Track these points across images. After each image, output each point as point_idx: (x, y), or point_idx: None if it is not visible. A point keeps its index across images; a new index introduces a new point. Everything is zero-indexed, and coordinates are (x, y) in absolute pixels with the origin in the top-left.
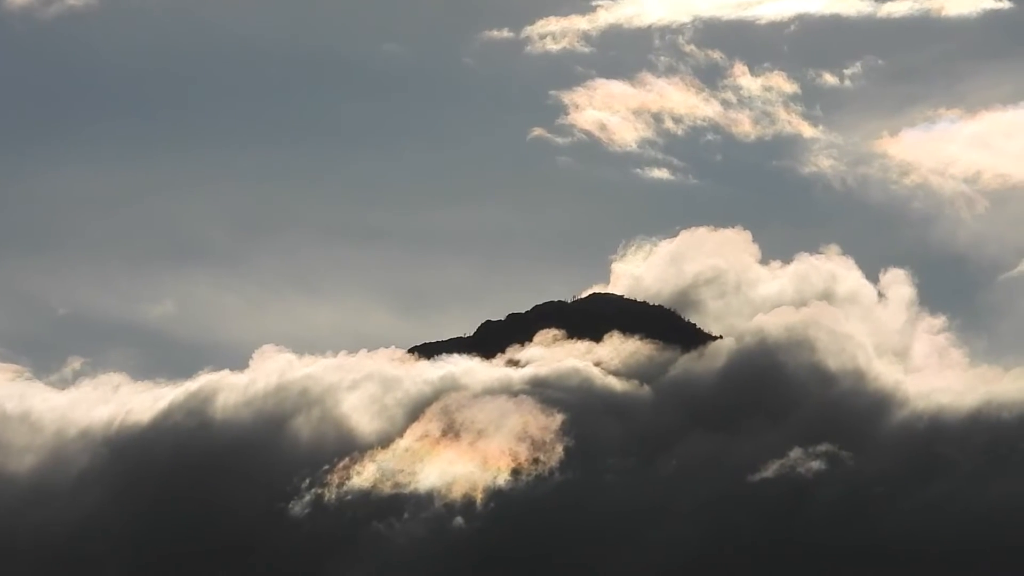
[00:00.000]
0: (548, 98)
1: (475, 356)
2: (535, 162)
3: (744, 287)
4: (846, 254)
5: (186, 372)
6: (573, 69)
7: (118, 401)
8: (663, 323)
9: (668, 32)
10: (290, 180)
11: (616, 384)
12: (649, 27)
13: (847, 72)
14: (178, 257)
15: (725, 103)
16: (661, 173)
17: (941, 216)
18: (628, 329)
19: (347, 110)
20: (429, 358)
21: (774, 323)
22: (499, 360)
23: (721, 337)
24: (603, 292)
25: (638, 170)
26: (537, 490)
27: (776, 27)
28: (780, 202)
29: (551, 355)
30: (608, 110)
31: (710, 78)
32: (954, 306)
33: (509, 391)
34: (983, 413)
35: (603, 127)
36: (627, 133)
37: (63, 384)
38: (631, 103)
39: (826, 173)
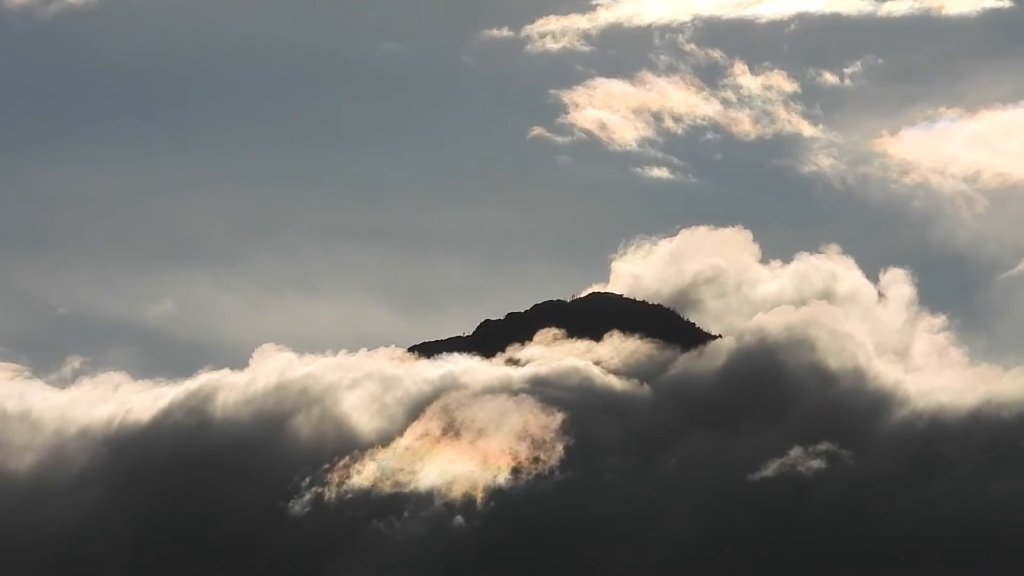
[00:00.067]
0: (548, 97)
1: (475, 355)
2: (535, 161)
3: (744, 286)
4: (846, 253)
5: (186, 371)
6: (573, 68)
7: (118, 400)
8: (663, 322)
9: (668, 31)
10: (290, 179)
11: (616, 383)
12: (649, 26)
13: (847, 71)
14: (178, 256)
15: (725, 102)
16: (661, 172)
17: (941, 215)
18: (628, 328)
19: (347, 109)
20: (429, 357)
21: (774, 322)
22: (499, 359)
23: (720, 336)
24: (603, 291)
25: (638, 169)
26: (537, 489)
27: (776, 26)
28: (780, 201)
29: (551, 354)
30: (608, 109)
31: (710, 77)
32: (954, 305)
33: (509, 390)
34: (983, 412)
35: (603, 126)
36: (627, 132)
37: (63, 383)
38: (631, 102)
39: (826, 172)
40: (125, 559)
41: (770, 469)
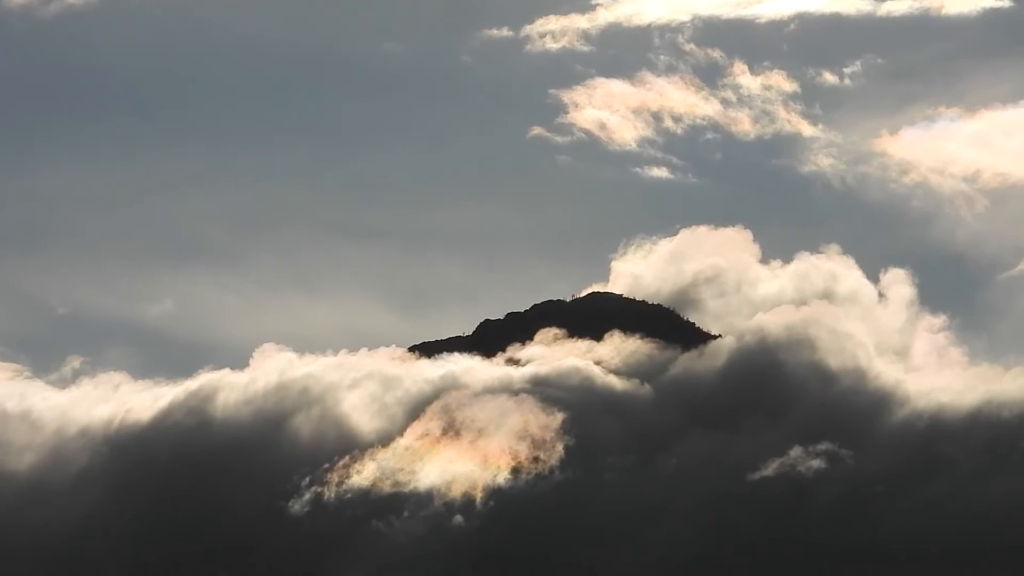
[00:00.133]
0: (548, 97)
1: (475, 355)
2: (534, 161)
3: (744, 286)
4: (846, 253)
5: (186, 371)
6: (573, 68)
7: (118, 400)
8: (663, 322)
9: (668, 31)
10: (290, 179)
11: (616, 383)
12: (649, 26)
13: (847, 71)
14: (178, 256)
15: (725, 102)
16: (660, 172)
17: (941, 215)
18: (627, 328)
19: (347, 109)
20: (429, 357)
21: (774, 322)
22: (499, 359)
23: (720, 336)
24: (602, 291)
25: (637, 169)
26: (537, 489)
27: (776, 26)
28: (780, 201)
29: (551, 354)
30: (608, 109)
31: (710, 77)
32: (954, 305)
33: (509, 390)
34: (983, 412)
35: (603, 126)
36: (627, 132)
37: (63, 383)
38: (631, 102)
39: (825, 172)
40: (125, 559)
41: (770, 469)
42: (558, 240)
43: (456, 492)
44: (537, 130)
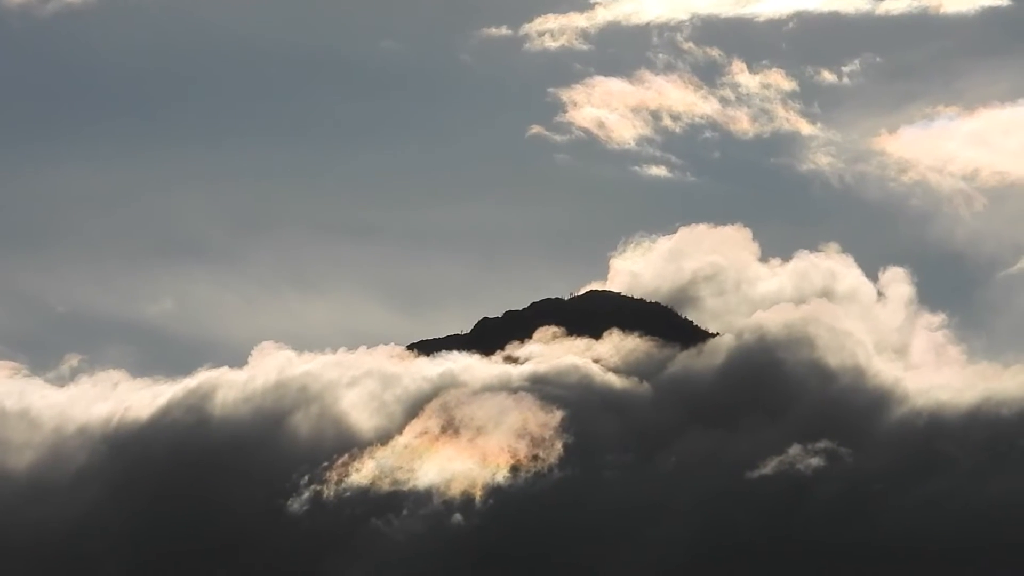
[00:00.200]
0: (546, 96)
1: (473, 353)
2: (533, 160)
3: (744, 285)
4: (845, 252)
5: (185, 369)
6: (571, 67)
7: (117, 398)
8: (661, 320)
9: (666, 29)
10: (288, 178)
11: (615, 381)
12: (647, 24)
13: (845, 69)
14: (177, 255)
15: (723, 100)
16: (659, 171)
17: (939, 213)
18: (626, 326)
19: (345, 108)
20: (428, 355)
21: (773, 320)
22: (497, 357)
23: (718, 334)
24: (601, 289)
25: (636, 168)
26: (536, 487)
27: (774, 24)
28: (778, 200)
29: (550, 352)
30: (606, 108)
31: (708, 75)
32: (953, 303)
33: (508, 388)
34: (982, 410)
35: (601, 125)
36: (625, 131)
37: (61, 381)
38: (629, 101)
39: (824, 171)
40: (124, 557)
41: (769, 467)
42: (557, 238)
43: (455, 490)
44: (536, 129)
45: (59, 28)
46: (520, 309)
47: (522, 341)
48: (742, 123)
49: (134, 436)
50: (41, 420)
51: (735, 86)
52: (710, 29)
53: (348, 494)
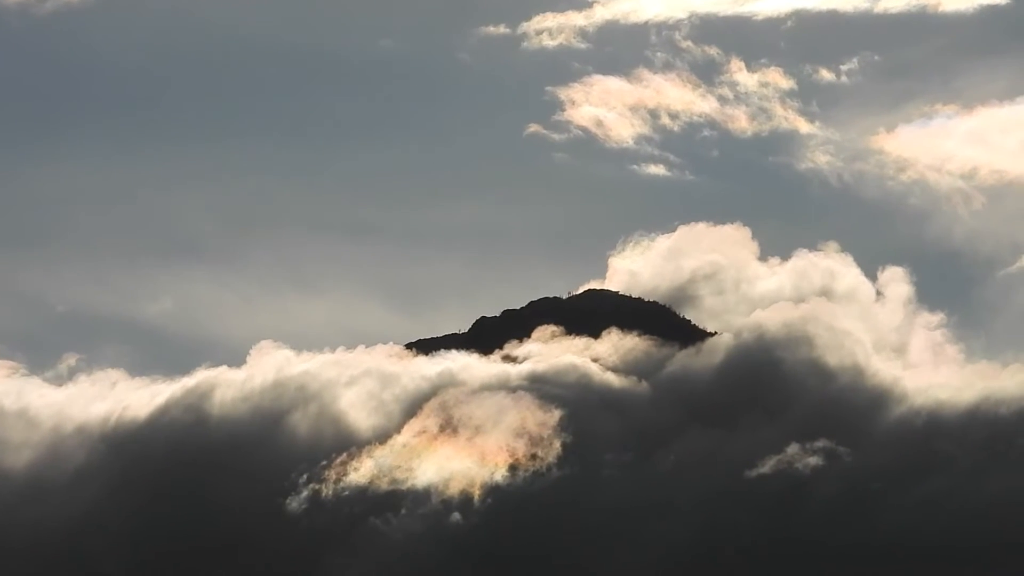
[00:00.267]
0: (544, 94)
1: (472, 352)
2: (531, 158)
3: (743, 284)
4: (844, 251)
5: (183, 368)
6: (569, 65)
7: (115, 397)
8: (660, 319)
9: (664, 28)
10: (287, 177)
11: (614, 380)
12: (646, 23)
13: (844, 68)
14: (175, 254)
15: (722, 99)
16: (657, 169)
17: (938, 212)
18: (625, 325)
19: (343, 107)
20: (427, 354)
21: (772, 319)
22: (496, 356)
23: (716, 333)
24: (599, 288)
25: (634, 166)
26: (534, 486)
27: (773, 23)
28: (777, 198)
29: (549, 351)
30: (604, 106)
31: (707, 74)
32: (952, 303)
33: (507, 387)
34: (981, 409)
35: (599, 123)
36: (623, 129)
37: (60, 380)
38: (627, 99)
39: (823, 169)
40: (122, 556)
41: (768, 466)
42: (555, 237)
43: (454, 489)
44: (534, 127)
45: (58, 27)
46: (518, 308)
47: (520, 340)
48: (740, 122)
49: (132, 435)
50: (39, 419)
51: (733, 85)
52: (708, 28)
53: (346, 493)
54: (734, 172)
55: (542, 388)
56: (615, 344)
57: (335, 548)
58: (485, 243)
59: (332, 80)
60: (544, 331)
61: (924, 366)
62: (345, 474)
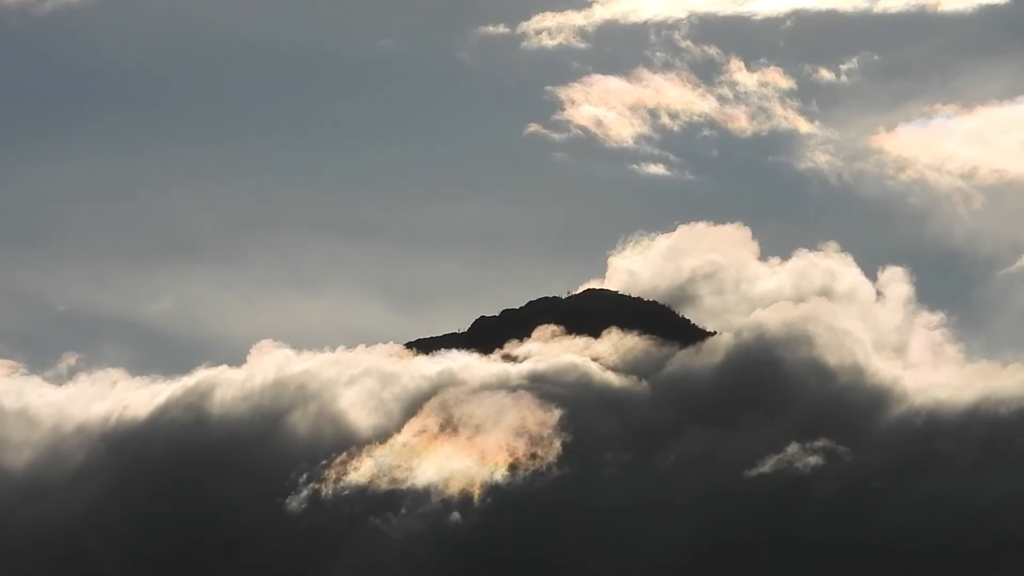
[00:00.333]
0: (544, 94)
1: (472, 352)
2: (531, 158)
3: (743, 283)
4: (844, 251)
5: (183, 368)
6: (569, 65)
7: (115, 397)
8: (660, 319)
9: (664, 28)
10: (287, 176)
11: (614, 380)
12: (645, 23)
13: (843, 67)
14: (175, 253)
15: (721, 99)
16: (657, 169)
17: (938, 212)
18: (624, 325)
19: (343, 106)
20: (426, 353)
21: (772, 319)
22: (495, 356)
23: (716, 333)
24: (598, 288)
25: (634, 166)
26: (534, 485)
27: (772, 22)
28: (777, 198)
29: (549, 351)
30: (604, 106)
31: (706, 74)
32: (951, 302)
33: (507, 386)
34: (981, 408)
35: (599, 123)
36: (623, 129)
37: (60, 380)
38: (627, 99)
39: (822, 169)
40: (122, 555)
41: (768, 465)
42: (555, 237)
43: (453, 489)
44: (534, 127)
45: (57, 26)
46: (518, 308)
47: (521, 340)
48: (740, 121)
49: (132, 435)
50: (40, 419)
51: (733, 84)
52: (708, 27)
53: (346, 492)
54: (734, 172)
55: (542, 387)
56: (615, 344)
57: (335, 547)
58: (485, 243)
59: (332, 80)
60: (544, 330)
61: (924, 366)
62: (345, 473)
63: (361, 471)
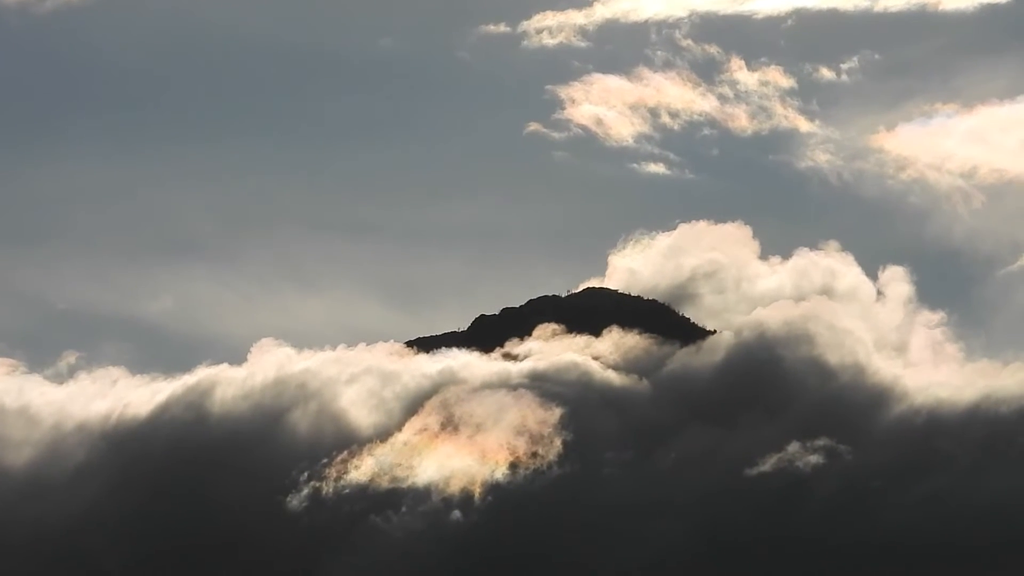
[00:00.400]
0: (544, 93)
1: (472, 350)
2: (531, 157)
3: (743, 282)
4: (845, 250)
5: (184, 366)
6: (570, 64)
7: (116, 395)
8: (660, 318)
9: (665, 26)
10: (286, 175)
11: (614, 378)
12: (646, 22)
13: (844, 67)
14: (175, 252)
15: (722, 98)
16: (658, 168)
17: (938, 211)
18: (624, 323)
19: (343, 105)
20: (427, 352)
21: (773, 317)
22: (496, 354)
23: (716, 332)
24: (599, 287)
25: (634, 165)
26: (535, 484)
27: (773, 21)
28: (777, 197)
29: (549, 349)
30: (605, 105)
31: (707, 73)
32: (952, 301)
33: (507, 385)
34: (981, 408)
35: (600, 122)
36: (624, 128)
37: (60, 378)
38: (628, 98)
39: (823, 168)
40: (122, 554)
41: (768, 464)
42: (555, 236)
43: (454, 487)
44: (534, 126)
45: (58, 26)
46: (518, 306)
47: (521, 338)
48: (740, 120)
49: (133, 433)
50: (40, 417)
51: (733, 83)
52: (708, 26)
53: (347, 491)
54: (734, 171)
55: (543, 386)
56: (615, 342)
57: (335, 546)
58: (485, 241)
59: (332, 79)
60: (545, 329)
61: (924, 365)
62: (346, 472)
63: (362, 469)
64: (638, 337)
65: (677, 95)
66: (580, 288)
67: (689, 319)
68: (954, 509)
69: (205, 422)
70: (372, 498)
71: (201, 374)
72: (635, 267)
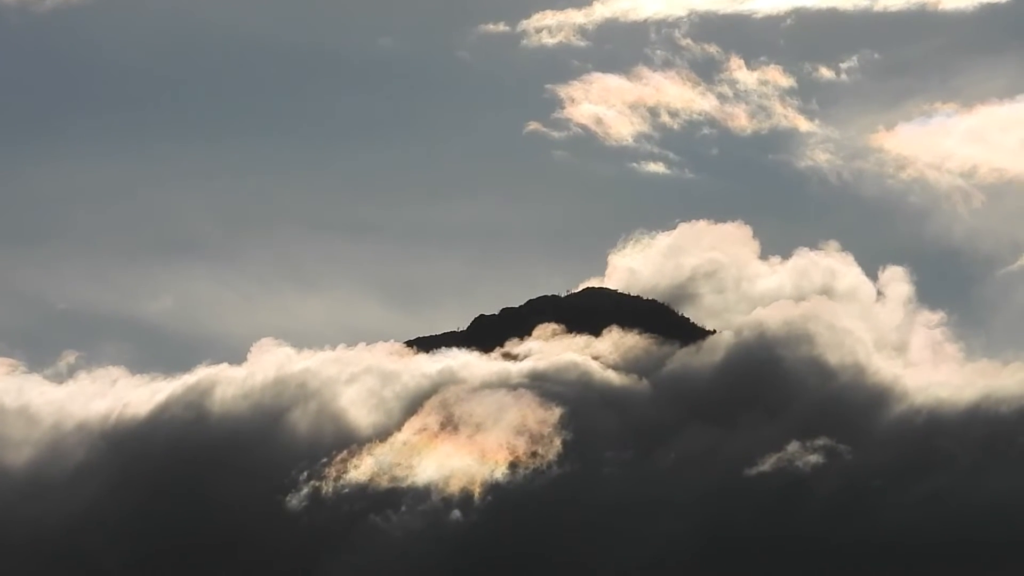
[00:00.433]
0: (544, 92)
1: (472, 350)
2: (531, 156)
3: (743, 282)
4: (845, 250)
5: (184, 366)
6: (569, 63)
7: (115, 395)
8: (660, 317)
9: (664, 26)
10: (286, 175)
11: (614, 378)
12: (645, 21)
13: (843, 66)
14: (175, 251)
15: (721, 97)
16: (657, 167)
17: (938, 211)
18: (624, 323)
19: (342, 105)
20: (427, 352)
21: (773, 317)
22: (495, 354)
23: (715, 331)
24: (598, 286)
25: (634, 164)
26: (535, 484)
27: (772, 21)
28: (777, 196)
29: (549, 349)
30: (604, 104)
31: (706, 72)
32: (952, 301)
33: (507, 385)
34: (981, 407)
35: (599, 121)
36: (623, 127)
37: (60, 378)
38: (627, 97)
39: (822, 167)
40: (122, 553)
41: (768, 464)
42: (554, 235)
43: (454, 487)
44: (533, 125)
45: (58, 25)
46: (518, 306)
47: (521, 338)
48: (740, 120)
49: (133, 433)
50: (39, 417)
51: (733, 83)
52: (708, 26)
53: (347, 491)
54: (734, 170)
55: (542, 386)
56: (615, 342)
57: (335, 546)
58: (484, 241)
59: (331, 78)
60: (544, 329)
61: (924, 364)
62: (345, 471)
63: (361, 469)
64: (638, 337)
65: (677, 94)
66: (580, 288)
67: (689, 319)
68: (954, 509)
69: (205, 422)
70: (372, 498)
71: (201, 374)
72: (635, 267)
